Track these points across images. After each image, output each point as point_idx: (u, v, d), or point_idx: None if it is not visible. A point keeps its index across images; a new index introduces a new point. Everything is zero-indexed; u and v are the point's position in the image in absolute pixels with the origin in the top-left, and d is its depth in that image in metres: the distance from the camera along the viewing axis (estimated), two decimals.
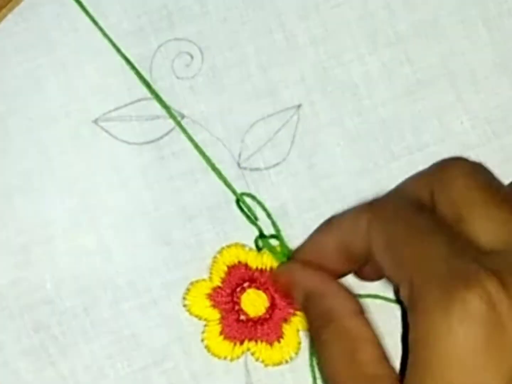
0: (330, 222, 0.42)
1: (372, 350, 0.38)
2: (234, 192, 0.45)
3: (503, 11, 0.48)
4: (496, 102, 0.47)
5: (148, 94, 0.46)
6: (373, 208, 0.40)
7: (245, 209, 0.45)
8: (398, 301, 0.45)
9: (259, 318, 0.45)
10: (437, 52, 0.47)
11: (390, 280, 0.40)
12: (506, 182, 0.46)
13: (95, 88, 0.46)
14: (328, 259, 0.41)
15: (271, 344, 0.45)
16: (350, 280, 0.43)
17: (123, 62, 0.46)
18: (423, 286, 0.35)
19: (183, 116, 0.46)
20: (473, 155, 0.47)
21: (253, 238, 0.45)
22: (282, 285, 0.44)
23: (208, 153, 0.46)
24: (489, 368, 0.33)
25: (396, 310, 0.45)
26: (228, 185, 0.45)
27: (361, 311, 0.40)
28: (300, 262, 0.43)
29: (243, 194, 0.45)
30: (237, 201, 0.45)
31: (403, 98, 0.47)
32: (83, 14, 0.47)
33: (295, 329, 0.45)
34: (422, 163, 0.46)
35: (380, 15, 0.47)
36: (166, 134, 0.46)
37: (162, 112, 0.46)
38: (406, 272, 0.36)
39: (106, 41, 0.46)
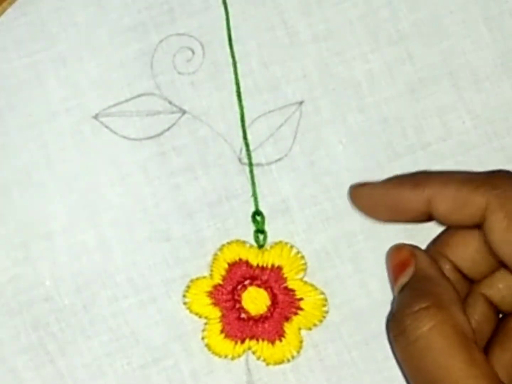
0: (419, 183, 0.41)
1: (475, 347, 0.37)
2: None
3: (504, 11, 0.48)
4: (497, 102, 0.47)
5: (148, 89, 0.46)
6: (495, 188, 0.38)
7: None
8: None
9: (260, 316, 0.45)
10: (438, 51, 0.47)
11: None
12: None
13: (95, 83, 0.46)
14: (404, 217, 0.41)
15: (272, 342, 0.45)
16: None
17: (123, 57, 0.46)
18: None
19: (184, 112, 0.46)
20: (474, 155, 0.47)
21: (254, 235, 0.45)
22: (399, 258, 0.42)
23: (209, 149, 0.46)
24: None
25: None
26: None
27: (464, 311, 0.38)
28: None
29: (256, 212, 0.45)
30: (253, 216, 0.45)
31: (405, 97, 0.47)
32: (82, 9, 0.46)
33: (297, 328, 0.45)
34: (424, 162, 0.46)
35: (383, 13, 0.47)
36: (167, 129, 0.46)
37: (163, 107, 0.46)
38: None
39: (106, 36, 0.46)
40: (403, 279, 0.40)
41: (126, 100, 0.46)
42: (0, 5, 0.46)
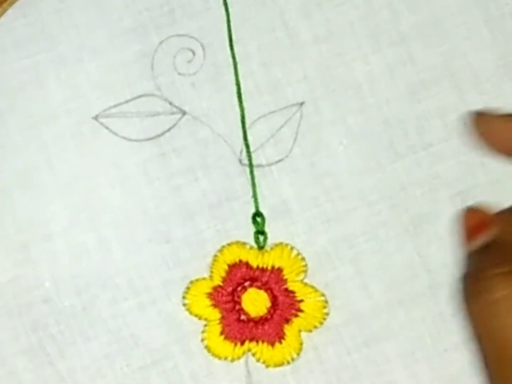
0: None
1: None
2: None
3: (505, 13, 0.48)
4: (498, 103, 0.47)
5: (149, 90, 0.46)
6: None
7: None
8: None
9: (260, 318, 0.45)
10: (439, 52, 0.47)
11: None
12: (510, 184, 0.46)
13: (96, 84, 0.46)
14: None
15: (272, 344, 0.45)
16: None
17: (124, 58, 0.46)
18: None
19: (184, 113, 0.46)
20: (476, 156, 0.46)
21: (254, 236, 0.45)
22: (477, 217, 0.40)
23: (209, 150, 0.46)
24: None
25: None
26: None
27: None
28: None
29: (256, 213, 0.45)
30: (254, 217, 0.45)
31: (406, 98, 0.47)
32: (83, 10, 0.46)
33: (297, 330, 0.45)
34: (425, 163, 0.46)
35: (383, 14, 0.47)
36: (167, 130, 0.46)
37: (163, 108, 0.46)
38: None
39: (106, 37, 0.46)
40: (483, 238, 0.39)
41: (127, 101, 0.46)
42: (0, 6, 0.46)
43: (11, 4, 0.46)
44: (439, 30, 0.47)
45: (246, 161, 0.46)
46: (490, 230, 0.39)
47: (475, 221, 0.40)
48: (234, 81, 0.46)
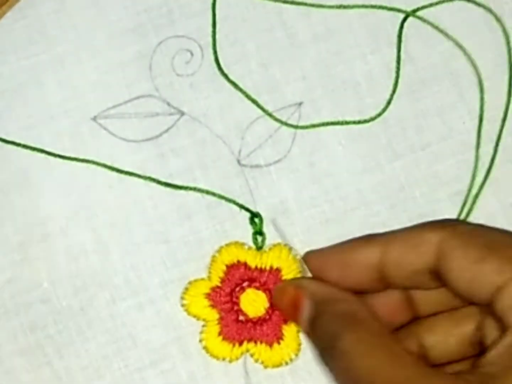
0: (372, 240, 0.40)
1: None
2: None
3: (505, 12, 0.48)
4: (498, 102, 0.47)
5: (147, 91, 0.46)
6: (446, 226, 0.39)
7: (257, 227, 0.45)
8: None
9: (259, 318, 0.45)
10: (439, 51, 0.47)
11: (471, 289, 0.38)
12: (509, 183, 0.46)
13: (94, 85, 0.46)
14: (354, 274, 0.40)
15: (270, 345, 0.45)
16: None
17: (122, 59, 0.46)
18: None
19: (182, 113, 0.46)
20: (475, 155, 0.46)
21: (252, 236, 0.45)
22: (287, 299, 0.41)
23: (207, 150, 0.46)
24: None
25: None
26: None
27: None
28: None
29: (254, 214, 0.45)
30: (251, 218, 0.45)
31: (406, 97, 0.47)
32: (81, 11, 0.46)
33: (295, 330, 0.45)
34: (424, 162, 0.46)
35: (382, 13, 0.47)
36: (165, 131, 0.46)
37: (161, 109, 0.46)
38: None
39: (105, 38, 0.46)
40: (304, 313, 0.39)
41: (125, 102, 0.46)
42: None
43: (10, 6, 0.46)
44: (439, 29, 0.47)
45: (244, 162, 0.46)
46: (304, 303, 0.39)
47: (287, 301, 0.40)
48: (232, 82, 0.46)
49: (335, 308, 0.38)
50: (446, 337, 0.40)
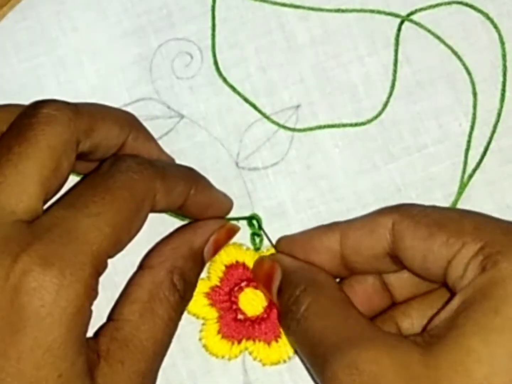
0: (334, 226, 0.43)
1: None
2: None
3: (503, 13, 0.48)
4: (494, 104, 0.47)
5: (147, 94, 0.46)
6: (399, 210, 0.41)
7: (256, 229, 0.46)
8: None
9: (257, 317, 0.45)
10: (435, 53, 0.47)
11: (426, 264, 0.39)
12: (505, 184, 0.46)
13: (95, 87, 0.47)
14: (319, 260, 0.42)
15: (269, 343, 0.45)
16: None
17: (123, 61, 0.47)
18: (498, 238, 0.36)
19: (182, 116, 0.47)
20: (471, 157, 0.47)
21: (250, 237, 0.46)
22: (263, 270, 0.44)
23: (206, 153, 0.46)
24: None
25: None
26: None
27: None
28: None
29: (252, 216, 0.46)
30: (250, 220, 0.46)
31: (402, 99, 0.47)
32: (82, 13, 0.47)
33: None
34: (420, 164, 0.47)
35: (380, 16, 0.48)
36: (165, 134, 0.46)
37: (161, 112, 0.46)
38: (467, 235, 0.37)
39: (105, 41, 0.47)
40: (275, 283, 0.42)
41: (125, 105, 0.46)
42: (0, 9, 0.46)
43: (11, 7, 0.46)
44: (436, 31, 0.48)
45: (242, 164, 0.46)
46: (276, 273, 0.42)
47: (262, 273, 0.43)
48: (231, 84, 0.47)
49: (298, 275, 0.41)
50: (422, 320, 0.41)
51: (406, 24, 0.47)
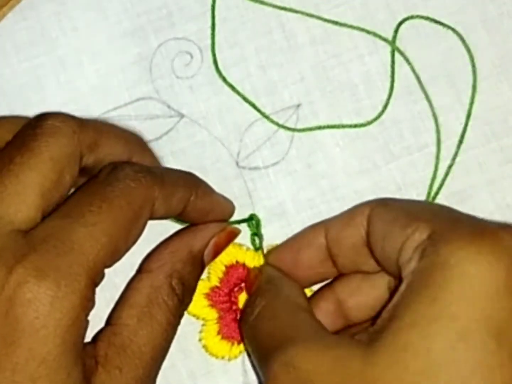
0: (320, 222, 0.43)
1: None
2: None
3: (503, 12, 0.48)
4: (495, 103, 0.47)
5: (147, 94, 0.46)
6: (377, 200, 0.41)
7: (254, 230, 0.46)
8: None
9: None
10: (436, 52, 0.47)
11: (389, 245, 0.39)
12: (505, 183, 0.46)
13: (95, 87, 0.46)
14: (306, 257, 0.42)
15: None
16: None
17: (123, 61, 0.47)
18: (448, 226, 0.36)
19: (182, 116, 0.47)
20: (472, 156, 0.47)
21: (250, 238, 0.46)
22: (250, 279, 0.44)
23: (206, 153, 0.46)
24: (508, 309, 0.34)
25: None
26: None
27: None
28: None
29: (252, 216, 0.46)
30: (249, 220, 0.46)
31: (403, 99, 0.47)
32: (82, 13, 0.47)
33: None
34: (421, 164, 0.47)
35: (380, 15, 0.48)
36: (165, 133, 0.46)
37: (161, 111, 0.46)
38: (424, 221, 0.37)
39: (105, 40, 0.47)
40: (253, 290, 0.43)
41: (125, 104, 0.46)
42: (0, 10, 0.46)
43: (11, 8, 0.46)
44: (436, 30, 0.48)
45: (243, 164, 0.46)
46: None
47: (249, 281, 0.44)
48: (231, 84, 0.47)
49: (265, 284, 0.42)
50: (363, 297, 0.42)
51: (407, 23, 0.47)
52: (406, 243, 0.37)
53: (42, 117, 0.39)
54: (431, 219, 0.37)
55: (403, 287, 0.35)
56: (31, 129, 0.39)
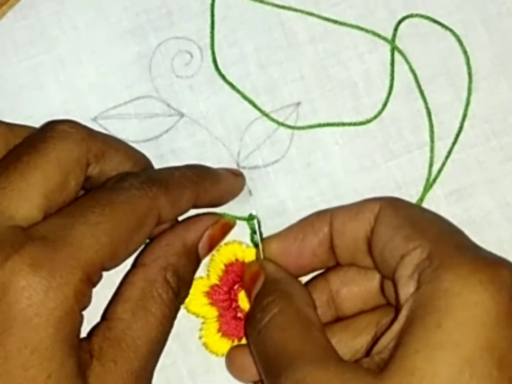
0: (326, 210, 0.43)
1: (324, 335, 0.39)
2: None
3: (502, 11, 0.48)
4: (495, 101, 0.47)
5: (147, 92, 0.46)
6: (388, 198, 0.42)
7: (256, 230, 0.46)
8: None
9: None
10: (436, 51, 0.47)
11: (389, 254, 0.39)
12: (505, 181, 0.46)
13: (94, 85, 0.47)
14: (310, 246, 0.42)
15: None
16: None
17: (122, 60, 0.47)
18: (449, 251, 0.37)
19: (182, 115, 0.47)
20: (472, 155, 0.47)
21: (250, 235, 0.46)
22: (249, 274, 0.44)
23: (206, 152, 0.46)
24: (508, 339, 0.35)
25: None
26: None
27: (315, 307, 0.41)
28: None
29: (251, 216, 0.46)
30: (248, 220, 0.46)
31: (402, 97, 0.47)
32: (82, 12, 0.47)
33: None
34: (420, 162, 0.47)
35: (380, 14, 0.48)
36: (165, 132, 0.46)
37: (161, 110, 0.47)
38: (427, 239, 0.37)
39: (105, 39, 0.47)
40: (256, 289, 0.42)
41: (125, 103, 0.46)
42: None
43: (10, 7, 0.46)
44: (436, 29, 0.48)
45: (243, 163, 0.46)
46: (259, 279, 0.43)
47: (248, 276, 0.44)
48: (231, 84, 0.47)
49: (273, 284, 0.41)
50: (356, 288, 0.42)
51: (407, 21, 0.47)
52: (405, 258, 0.37)
53: (54, 123, 0.40)
54: (434, 239, 0.37)
55: (405, 312, 0.36)
56: (41, 133, 0.39)
